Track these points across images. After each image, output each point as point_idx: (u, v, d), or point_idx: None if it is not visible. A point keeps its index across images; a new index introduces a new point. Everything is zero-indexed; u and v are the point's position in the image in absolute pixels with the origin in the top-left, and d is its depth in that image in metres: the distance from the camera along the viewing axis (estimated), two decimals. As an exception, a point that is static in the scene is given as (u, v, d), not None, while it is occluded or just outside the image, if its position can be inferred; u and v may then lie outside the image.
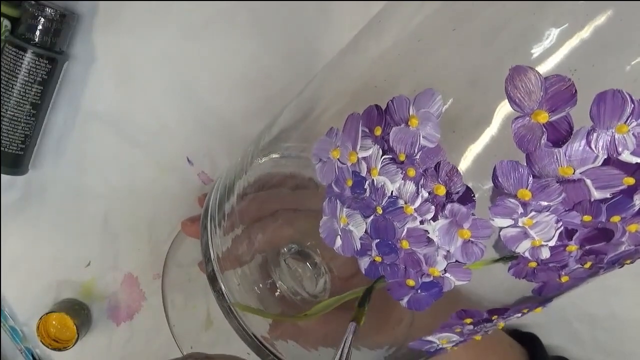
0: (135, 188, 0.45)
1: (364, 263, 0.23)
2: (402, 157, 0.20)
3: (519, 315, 0.24)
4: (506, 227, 0.19)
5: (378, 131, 0.21)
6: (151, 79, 0.43)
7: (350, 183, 0.22)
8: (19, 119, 0.40)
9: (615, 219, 0.18)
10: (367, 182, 0.21)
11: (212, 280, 0.27)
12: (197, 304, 0.45)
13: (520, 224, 0.19)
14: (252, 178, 0.27)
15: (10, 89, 0.40)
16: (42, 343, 0.44)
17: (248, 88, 0.43)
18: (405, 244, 0.21)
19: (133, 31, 0.42)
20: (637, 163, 0.17)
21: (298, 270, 0.27)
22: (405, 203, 0.21)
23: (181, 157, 0.44)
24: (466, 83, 0.20)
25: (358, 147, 0.21)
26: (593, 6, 0.17)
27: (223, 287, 0.27)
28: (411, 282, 0.22)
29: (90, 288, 0.46)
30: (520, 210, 0.19)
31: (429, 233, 0.20)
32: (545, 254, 0.19)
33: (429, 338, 0.24)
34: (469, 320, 0.23)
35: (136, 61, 0.43)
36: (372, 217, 0.22)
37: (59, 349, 0.44)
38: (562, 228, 0.19)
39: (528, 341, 0.40)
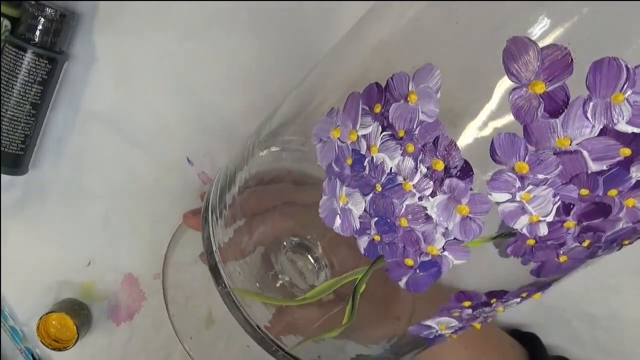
0: (135, 188, 0.45)
1: (362, 242, 0.22)
2: (401, 133, 0.20)
3: (518, 300, 0.23)
4: (504, 202, 0.19)
5: (378, 108, 0.21)
6: (151, 79, 0.43)
7: (349, 161, 0.22)
8: (19, 119, 0.40)
9: (613, 192, 0.18)
10: (366, 160, 0.21)
11: (214, 271, 0.27)
12: (197, 303, 0.45)
13: (517, 198, 0.19)
14: (253, 171, 0.27)
15: (10, 89, 0.40)
16: (42, 343, 0.44)
17: (248, 88, 0.43)
18: (404, 222, 0.21)
19: (133, 31, 0.42)
20: (633, 133, 0.17)
21: (299, 263, 0.27)
22: (404, 179, 0.21)
23: (181, 157, 0.44)
24: (466, 65, 0.20)
25: (358, 125, 0.21)
26: None
27: (225, 278, 0.27)
28: (410, 262, 0.22)
29: (90, 288, 0.46)
30: (518, 184, 0.19)
31: (427, 210, 0.20)
32: (543, 230, 0.19)
33: (428, 323, 0.24)
34: (467, 304, 0.23)
35: (136, 61, 0.43)
36: (371, 194, 0.22)
37: (59, 349, 0.44)
38: (559, 203, 0.19)
39: (528, 341, 0.40)
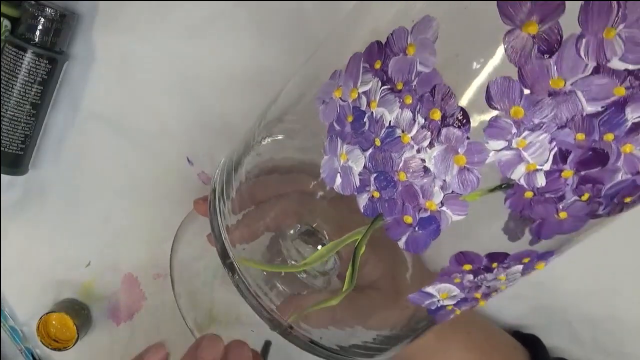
0: (135, 188, 0.45)
1: (362, 201, 0.22)
2: (399, 86, 0.20)
3: (520, 268, 0.23)
4: (500, 149, 0.19)
5: (378, 64, 0.21)
6: (151, 78, 0.43)
7: (350, 119, 0.22)
8: (19, 119, 0.40)
9: (609, 137, 0.18)
10: (366, 116, 0.22)
11: (224, 255, 0.27)
12: (199, 302, 0.45)
13: (514, 145, 0.19)
14: (257, 159, 0.27)
15: (10, 89, 0.40)
16: (42, 343, 0.44)
17: (248, 88, 0.43)
18: (402, 176, 0.21)
19: (133, 31, 0.42)
20: (626, 70, 0.17)
21: (306, 250, 0.27)
22: (403, 132, 0.21)
23: (181, 157, 0.44)
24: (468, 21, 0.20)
25: (359, 82, 0.22)
26: None
27: (235, 261, 0.27)
28: (408, 219, 0.21)
29: (90, 288, 0.46)
30: (514, 130, 0.19)
31: (425, 162, 0.20)
32: (540, 180, 0.19)
33: (429, 290, 0.24)
34: (468, 267, 0.22)
35: (136, 61, 0.43)
36: (370, 150, 0.22)
37: (59, 349, 0.44)
38: (555, 149, 0.19)
39: (530, 343, 0.40)
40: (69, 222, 0.45)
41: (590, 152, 0.18)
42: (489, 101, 0.19)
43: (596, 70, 0.17)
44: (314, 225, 0.27)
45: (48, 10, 0.39)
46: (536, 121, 0.18)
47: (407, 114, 0.20)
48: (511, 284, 0.24)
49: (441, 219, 0.21)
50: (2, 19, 0.40)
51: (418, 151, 0.21)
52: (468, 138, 0.20)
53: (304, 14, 0.41)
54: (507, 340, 0.39)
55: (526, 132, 0.19)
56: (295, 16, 0.41)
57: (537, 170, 0.19)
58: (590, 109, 0.18)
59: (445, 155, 0.20)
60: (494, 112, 0.19)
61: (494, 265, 0.22)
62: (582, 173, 0.19)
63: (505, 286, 0.24)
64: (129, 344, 0.47)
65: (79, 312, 0.45)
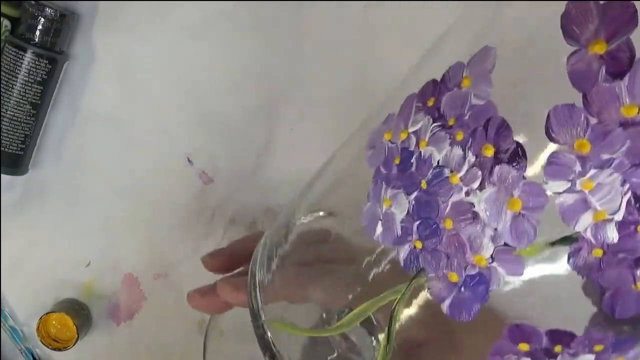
0: (135, 188, 0.45)
1: (403, 252, 0.20)
2: (451, 122, 0.19)
3: (591, 356, 0.19)
4: (562, 192, 0.16)
5: (431, 102, 0.19)
6: (151, 78, 0.43)
7: (397, 160, 0.20)
8: (19, 119, 0.40)
9: None
10: (414, 156, 0.20)
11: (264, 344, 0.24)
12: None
13: (578, 186, 0.16)
14: (295, 236, 0.25)
15: (10, 89, 0.40)
16: (42, 343, 0.44)
17: (248, 88, 0.43)
18: (448, 223, 0.18)
19: (133, 31, 0.42)
20: None
21: (356, 336, 0.24)
22: (452, 172, 0.18)
23: (181, 157, 0.44)
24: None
25: (410, 122, 0.20)
26: None
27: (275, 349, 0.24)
28: (454, 277, 0.19)
29: (90, 288, 0.46)
30: (578, 167, 0.16)
31: (474, 206, 0.18)
32: (611, 234, 0.16)
33: None
34: (524, 347, 0.19)
35: (136, 61, 0.43)
36: (415, 193, 0.20)
37: (59, 349, 0.44)
38: (629, 193, 0.16)
39: None
40: (69, 222, 0.45)
41: None
42: (549, 133, 0.16)
43: None
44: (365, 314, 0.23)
45: (48, 10, 0.39)
46: (605, 157, 0.16)
47: (458, 151, 0.18)
48: None
49: (491, 278, 0.18)
50: (2, 19, 0.40)
51: (467, 194, 0.18)
52: (524, 178, 0.17)
53: (304, 14, 0.41)
54: None
55: (593, 171, 0.16)
56: (296, 16, 0.41)
57: (607, 220, 0.16)
58: None
59: (498, 198, 0.17)
60: (555, 146, 0.16)
61: (557, 349, 0.19)
62: None
63: None
64: (129, 344, 0.47)
65: (79, 312, 0.45)
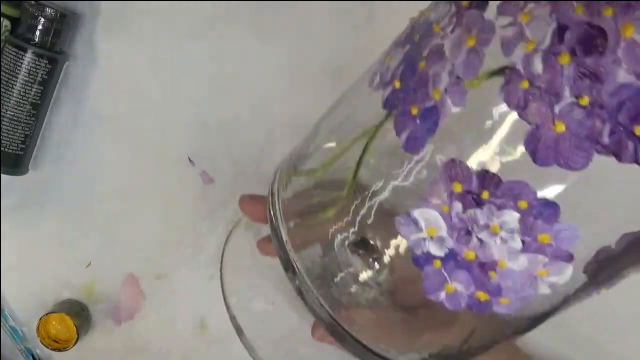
0: (136, 188, 0.45)
1: (386, 92, 0.22)
2: None
3: (517, 217, 0.19)
4: (506, 24, 0.18)
5: None
6: (152, 78, 0.43)
7: (408, 30, 0.23)
8: (19, 119, 0.40)
9: (607, 11, 0.16)
10: (417, 22, 0.23)
11: (285, 258, 0.26)
12: (188, 308, 0.45)
13: (518, 20, 0.18)
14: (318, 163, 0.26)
15: (10, 89, 0.39)
16: (42, 343, 0.44)
17: (249, 88, 0.43)
18: (422, 64, 0.20)
19: (134, 31, 0.42)
20: None
21: (356, 259, 0.25)
22: (437, 23, 0.21)
23: (182, 157, 0.44)
24: None
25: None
26: None
27: (296, 265, 0.25)
28: (414, 109, 0.20)
29: (90, 288, 0.46)
30: (522, 3, 0.18)
31: (444, 47, 0.20)
32: (537, 64, 0.18)
33: (415, 213, 0.21)
34: (457, 187, 0.20)
35: (137, 61, 0.43)
36: (408, 46, 0.22)
37: (59, 350, 0.44)
38: (554, 23, 0.17)
39: None
40: (69, 222, 0.45)
41: (587, 30, 0.17)
42: None
43: None
44: (366, 235, 0.25)
45: (48, 10, 0.39)
46: None
47: (446, 6, 0.21)
48: (510, 261, 0.20)
49: (441, 111, 0.20)
50: (2, 19, 0.40)
51: (442, 38, 0.20)
52: (482, 17, 0.19)
53: (304, 15, 0.41)
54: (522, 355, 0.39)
55: (531, 5, 0.18)
56: (296, 17, 0.41)
57: (535, 50, 0.18)
58: None
59: (461, 37, 0.19)
60: None
61: (485, 195, 0.20)
62: (579, 59, 0.17)
63: (503, 259, 0.20)
64: (129, 344, 0.47)
65: (79, 312, 0.45)
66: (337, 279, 0.25)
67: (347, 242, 0.25)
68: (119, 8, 0.42)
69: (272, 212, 0.27)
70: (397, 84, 0.21)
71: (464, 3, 0.20)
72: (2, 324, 0.46)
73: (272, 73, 0.42)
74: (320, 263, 0.25)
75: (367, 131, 0.23)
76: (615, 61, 0.17)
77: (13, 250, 0.46)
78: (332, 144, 0.26)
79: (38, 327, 0.44)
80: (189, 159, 0.44)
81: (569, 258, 0.20)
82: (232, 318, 0.29)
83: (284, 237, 0.25)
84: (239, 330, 0.29)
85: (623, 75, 0.17)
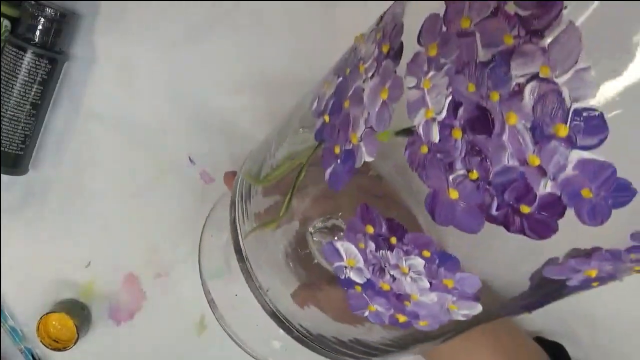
0: (136, 188, 0.45)
1: (317, 124, 0.23)
2: (379, 33, 0.22)
3: (422, 264, 0.21)
4: (411, 87, 0.19)
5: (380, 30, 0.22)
6: (152, 78, 0.43)
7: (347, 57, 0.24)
8: (19, 119, 0.40)
9: (494, 96, 0.17)
10: (352, 53, 0.23)
11: (236, 244, 0.28)
12: (188, 308, 0.45)
13: (421, 85, 0.19)
14: (291, 149, 0.27)
15: (10, 89, 0.39)
16: (42, 343, 0.44)
17: (249, 88, 0.43)
18: (347, 103, 0.22)
19: (134, 31, 0.42)
20: (516, 14, 0.16)
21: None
22: (362, 62, 0.21)
23: (182, 157, 0.44)
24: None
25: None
26: None
27: (244, 252, 0.27)
28: (337, 149, 0.22)
29: (90, 288, 0.46)
30: (426, 67, 0.19)
31: (364, 91, 0.21)
32: (435, 133, 0.18)
33: (337, 244, 0.23)
34: (370, 229, 0.21)
35: (137, 61, 0.43)
36: (340, 79, 0.23)
37: (59, 349, 0.44)
38: (450, 97, 0.18)
39: (553, 349, 0.39)
40: (69, 222, 0.45)
41: (477, 111, 0.18)
42: (419, 37, 0.19)
43: (494, 13, 0.17)
44: (337, 219, 0.27)
45: (48, 10, 0.39)
46: (442, 61, 0.18)
47: (372, 47, 0.21)
48: (421, 295, 0.22)
49: (356, 156, 0.21)
50: (2, 19, 0.40)
51: (364, 81, 0.21)
52: (395, 72, 0.20)
53: (306, 15, 0.41)
54: (533, 348, 0.39)
55: (432, 72, 0.18)
56: (298, 17, 0.41)
57: (433, 119, 0.18)
58: (483, 54, 0.17)
59: (377, 88, 0.20)
60: (420, 48, 0.19)
61: (393, 240, 0.21)
62: (470, 137, 0.18)
63: (415, 294, 0.22)
64: (129, 344, 0.47)
65: (79, 312, 0.45)
66: (314, 262, 0.27)
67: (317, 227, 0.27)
68: (119, 8, 0.42)
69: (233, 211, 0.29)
70: (327, 119, 0.23)
71: (384, 48, 0.20)
72: (2, 324, 0.46)
73: (273, 72, 0.42)
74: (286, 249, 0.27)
75: (302, 155, 0.25)
76: (500, 145, 0.17)
77: (13, 250, 0.46)
78: (279, 156, 0.27)
79: (38, 327, 0.44)
80: (189, 159, 0.44)
81: (476, 299, 0.21)
82: (207, 292, 0.32)
83: (239, 230, 0.28)
84: (212, 304, 0.31)
85: (508, 159, 0.17)
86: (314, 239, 0.27)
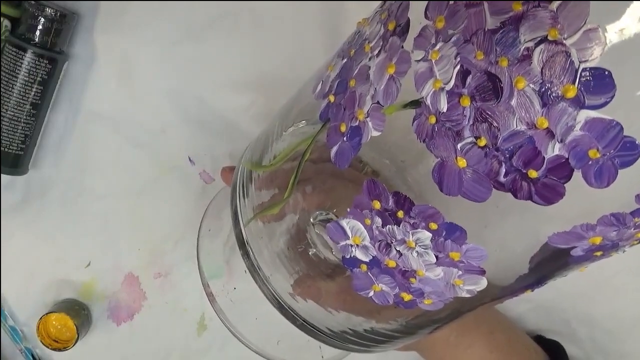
0: (136, 188, 0.45)
1: (322, 105, 0.23)
2: (384, 13, 0.22)
3: (429, 237, 0.21)
4: (419, 60, 0.19)
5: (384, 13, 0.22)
6: (152, 78, 0.43)
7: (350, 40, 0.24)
8: (19, 119, 0.40)
9: (503, 61, 0.17)
10: (357, 35, 0.24)
11: (239, 238, 0.28)
12: (188, 308, 0.45)
13: (429, 57, 0.19)
14: (287, 142, 0.27)
15: (10, 89, 0.39)
16: (42, 343, 0.44)
17: (249, 88, 0.43)
18: (352, 82, 0.22)
19: (134, 31, 0.42)
20: None
21: (325, 236, 0.28)
22: (367, 42, 0.22)
23: (182, 157, 0.44)
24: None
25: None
26: None
27: (248, 245, 0.27)
28: (343, 127, 0.22)
29: (90, 288, 0.46)
30: (433, 39, 0.19)
31: (370, 68, 0.21)
32: (443, 102, 0.19)
33: (343, 222, 0.23)
34: (377, 204, 0.22)
35: (137, 61, 0.43)
36: (345, 60, 0.23)
37: (59, 349, 0.44)
38: (458, 66, 0.18)
39: (552, 348, 0.39)
40: (69, 222, 0.45)
41: (485, 76, 0.18)
42: (426, 10, 0.19)
43: None
44: (334, 211, 0.27)
45: (48, 10, 0.39)
46: (450, 32, 0.18)
47: (378, 27, 0.22)
48: (427, 271, 0.22)
49: (363, 132, 0.21)
50: (2, 19, 0.40)
51: (370, 59, 0.21)
52: (402, 47, 0.20)
53: (306, 15, 0.41)
54: (528, 345, 0.39)
55: (440, 44, 0.19)
56: (297, 17, 0.41)
57: (441, 89, 0.19)
58: (492, 22, 0.17)
59: (384, 64, 0.21)
60: (427, 22, 0.19)
61: (400, 214, 0.21)
62: (478, 104, 0.18)
63: (421, 269, 0.22)
64: (129, 344, 0.47)
65: (79, 312, 0.45)
66: (310, 253, 0.27)
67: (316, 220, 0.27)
68: (119, 8, 0.42)
69: (235, 200, 0.29)
70: (332, 99, 0.23)
71: (390, 26, 0.21)
72: (2, 324, 0.46)
73: (273, 72, 0.42)
74: (286, 242, 0.27)
75: (306, 139, 0.25)
76: (509, 110, 0.18)
77: (13, 250, 0.46)
78: (281, 143, 0.27)
79: (38, 327, 0.44)
80: (189, 159, 0.44)
81: (481, 272, 0.21)
82: (206, 285, 0.32)
83: (241, 222, 0.28)
84: (210, 297, 0.32)
85: (516, 124, 0.18)
86: (316, 231, 0.27)
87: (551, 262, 0.21)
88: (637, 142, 0.16)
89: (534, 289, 0.24)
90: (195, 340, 0.46)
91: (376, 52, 0.21)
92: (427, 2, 0.19)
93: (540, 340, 0.41)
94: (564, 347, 0.40)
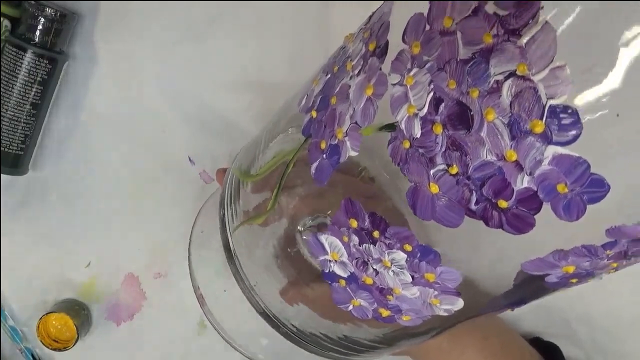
0: (136, 188, 0.45)
1: (305, 120, 0.24)
2: (367, 32, 0.22)
3: (404, 258, 0.21)
4: (395, 84, 0.19)
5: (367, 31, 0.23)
6: (152, 78, 0.43)
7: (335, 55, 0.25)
8: (19, 119, 0.40)
9: (474, 92, 0.18)
10: (342, 51, 0.24)
11: (226, 245, 0.28)
12: (188, 308, 0.45)
13: (404, 81, 0.19)
14: (279, 148, 0.27)
15: (10, 89, 0.39)
16: (42, 343, 0.44)
17: (249, 88, 0.43)
18: (334, 100, 0.22)
19: (134, 31, 0.42)
20: (495, 14, 0.17)
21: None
22: (350, 60, 0.22)
23: (182, 157, 0.44)
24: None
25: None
26: None
27: (234, 251, 0.27)
28: (323, 144, 0.22)
29: (90, 288, 0.46)
30: (409, 64, 0.19)
31: (350, 88, 0.21)
32: (416, 128, 0.19)
33: (322, 237, 0.23)
34: (354, 222, 0.22)
35: (137, 60, 0.43)
36: (329, 75, 0.24)
37: (59, 349, 0.44)
38: (432, 93, 0.19)
39: (549, 351, 0.39)
40: (69, 222, 0.45)
41: (457, 106, 0.18)
42: (404, 35, 0.19)
43: (475, 12, 0.17)
44: (326, 217, 0.27)
45: (48, 10, 0.39)
46: (425, 59, 0.19)
47: (360, 45, 0.22)
48: (404, 289, 0.22)
49: (342, 151, 0.21)
50: (2, 19, 0.40)
51: (351, 78, 0.22)
52: (380, 69, 0.20)
53: (306, 15, 0.41)
54: (523, 348, 0.39)
55: (415, 69, 0.19)
56: (297, 17, 0.41)
57: (415, 114, 0.19)
58: (464, 52, 0.18)
59: (362, 84, 0.21)
60: (404, 46, 0.19)
61: (376, 234, 0.22)
62: (450, 132, 0.18)
63: (397, 288, 0.22)
64: (129, 344, 0.47)
65: (79, 312, 0.45)
66: (305, 258, 0.27)
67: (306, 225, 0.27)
68: (119, 8, 0.42)
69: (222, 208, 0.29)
70: (314, 114, 0.23)
71: (371, 46, 0.21)
72: (2, 324, 0.46)
73: (273, 72, 0.42)
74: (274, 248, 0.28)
75: (290, 152, 0.25)
76: (479, 140, 0.18)
77: (13, 250, 0.46)
78: (269, 153, 0.28)
79: (38, 327, 0.44)
80: (189, 159, 0.44)
81: (457, 294, 0.22)
82: (196, 288, 0.32)
83: (229, 232, 0.28)
84: (200, 300, 0.32)
85: (486, 154, 0.18)
86: (304, 237, 0.27)
87: (527, 286, 0.22)
88: (604, 181, 0.16)
89: (513, 309, 0.24)
90: (195, 340, 0.46)
91: (357, 71, 0.21)
92: (405, 26, 0.19)
93: (538, 342, 0.41)
94: (563, 348, 0.40)
